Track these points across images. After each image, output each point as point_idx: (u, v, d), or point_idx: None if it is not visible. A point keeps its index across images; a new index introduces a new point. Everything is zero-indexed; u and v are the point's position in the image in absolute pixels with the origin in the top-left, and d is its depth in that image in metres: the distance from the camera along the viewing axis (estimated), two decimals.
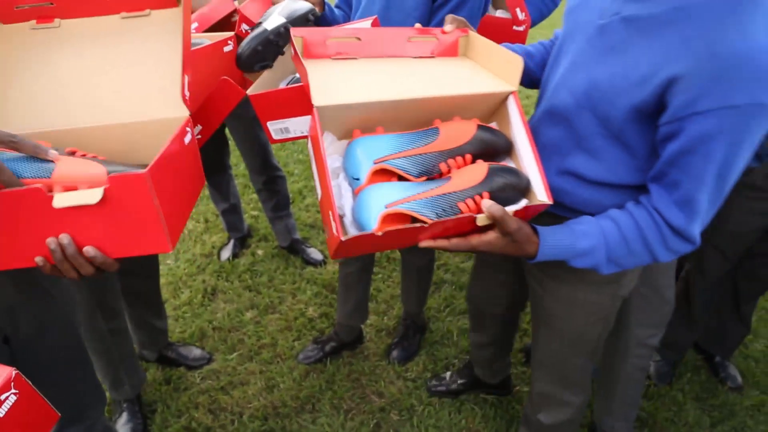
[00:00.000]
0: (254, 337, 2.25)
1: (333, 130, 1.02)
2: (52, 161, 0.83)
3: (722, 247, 1.77)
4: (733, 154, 0.84)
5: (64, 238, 0.78)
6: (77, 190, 0.79)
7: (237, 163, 3.49)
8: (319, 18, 1.36)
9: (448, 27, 1.18)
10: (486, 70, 1.13)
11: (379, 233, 0.84)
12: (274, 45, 1.26)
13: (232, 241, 2.77)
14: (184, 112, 0.98)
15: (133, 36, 1.05)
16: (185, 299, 2.45)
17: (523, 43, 1.90)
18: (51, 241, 0.77)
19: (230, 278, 2.59)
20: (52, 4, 1.05)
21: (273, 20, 1.28)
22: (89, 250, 0.79)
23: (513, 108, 1.03)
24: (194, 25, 1.47)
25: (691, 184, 0.88)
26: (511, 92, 1.03)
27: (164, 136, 0.96)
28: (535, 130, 1.10)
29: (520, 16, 1.96)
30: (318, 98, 0.92)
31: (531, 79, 1.24)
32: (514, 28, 1.99)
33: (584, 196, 1.05)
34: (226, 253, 2.73)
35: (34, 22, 1.07)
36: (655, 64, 0.86)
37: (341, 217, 0.95)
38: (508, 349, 1.85)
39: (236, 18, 1.52)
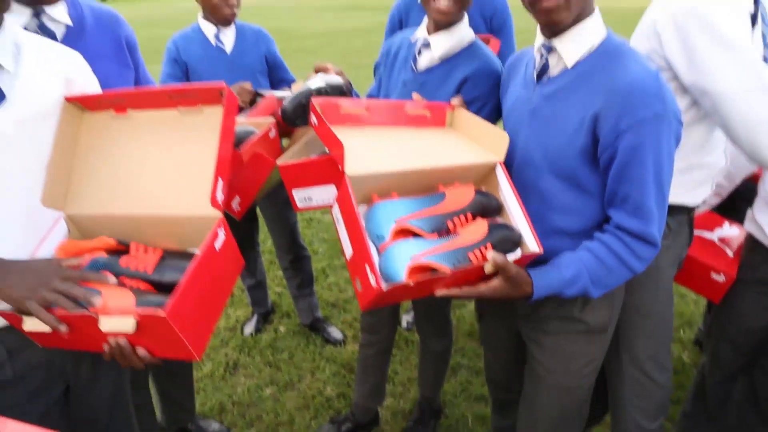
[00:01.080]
0: (272, 414, 2.29)
1: (354, 182, 1.18)
2: (99, 291, 1.01)
3: (737, 341, 1.78)
4: (660, 157, 1.10)
5: (121, 340, 0.97)
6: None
7: (264, 239, 3.64)
8: (350, 95, 1.53)
9: (455, 101, 1.42)
10: (474, 141, 1.34)
11: (411, 283, 1.02)
12: None
13: (255, 316, 2.86)
14: (218, 213, 1.11)
15: (187, 130, 1.20)
16: (207, 372, 2.52)
17: None
18: (106, 344, 0.99)
19: (252, 353, 2.66)
20: (125, 112, 1.22)
21: (315, 81, 1.46)
22: (141, 351, 1.00)
23: (501, 175, 1.24)
24: (241, 118, 1.64)
25: (636, 192, 1.12)
26: (499, 162, 1.25)
27: (207, 233, 1.10)
28: None
29: None
30: (349, 168, 1.09)
31: None
32: None
33: (569, 247, 1.22)
34: (249, 328, 2.82)
35: (113, 111, 1.23)
36: (580, 114, 1.15)
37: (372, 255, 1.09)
38: None
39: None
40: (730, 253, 1.80)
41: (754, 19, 1.38)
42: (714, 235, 1.86)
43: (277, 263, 3.35)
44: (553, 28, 1.17)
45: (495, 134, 1.25)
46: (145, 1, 32.08)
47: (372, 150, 1.21)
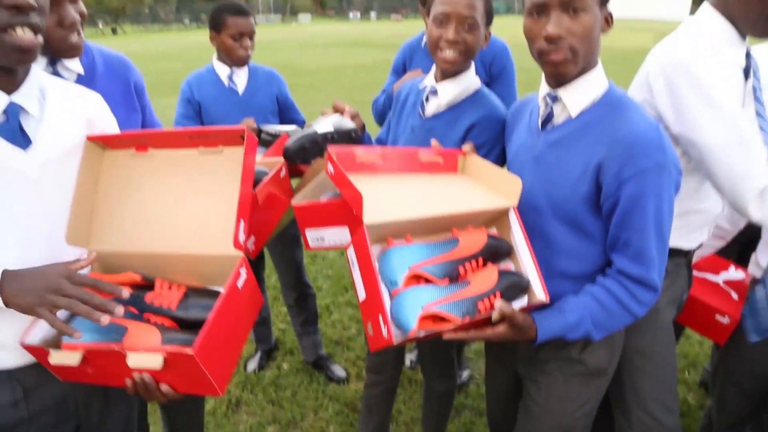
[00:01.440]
0: None
1: (371, 230, 1.21)
2: (125, 326, 1.05)
3: (744, 385, 1.78)
4: (660, 205, 1.15)
5: (146, 376, 0.99)
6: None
7: (268, 274, 3.65)
8: (359, 139, 1.55)
9: (467, 147, 1.45)
10: (486, 186, 1.37)
11: (421, 334, 1.07)
12: (318, 147, 1.44)
13: (259, 353, 2.86)
14: (239, 253, 1.14)
15: (207, 170, 1.24)
16: (209, 409, 2.50)
17: None
18: (130, 380, 1.01)
19: (255, 390, 2.65)
20: (146, 150, 1.25)
21: (323, 125, 1.47)
22: (164, 387, 1.02)
23: (514, 220, 1.28)
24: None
25: (638, 239, 1.17)
26: (512, 207, 1.28)
27: (228, 271, 1.12)
28: None
29: None
30: (367, 217, 1.12)
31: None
32: None
33: (572, 290, 1.26)
34: (252, 365, 2.81)
35: (133, 150, 1.27)
36: (583, 161, 1.20)
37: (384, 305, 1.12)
38: None
39: None
40: (734, 296, 1.81)
41: (747, 72, 1.43)
42: (719, 278, 1.88)
43: (281, 299, 3.36)
44: (559, 79, 1.22)
45: (507, 179, 1.29)
46: (155, 35, 32.82)
47: (387, 197, 1.24)
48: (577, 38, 1.14)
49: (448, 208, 1.24)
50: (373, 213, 1.13)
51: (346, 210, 1.27)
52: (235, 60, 2.25)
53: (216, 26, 2.22)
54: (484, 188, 1.37)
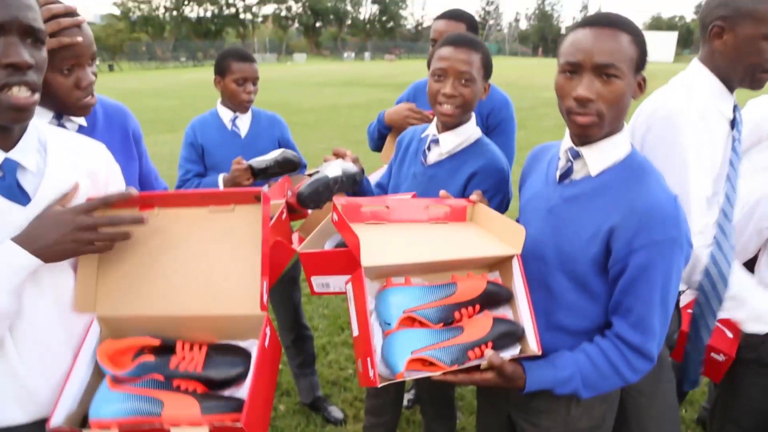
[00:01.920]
0: None
1: (370, 275, 1.25)
2: (160, 399, 1.05)
3: (741, 423, 1.79)
4: (668, 279, 1.15)
5: None
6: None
7: None
8: (362, 181, 1.63)
9: (474, 196, 1.47)
10: (491, 234, 1.39)
11: (405, 377, 1.11)
12: (329, 190, 1.50)
13: None
14: (258, 311, 1.16)
15: (219, 229, 1.21)
16: None
17: None
18: None
19: None
20: (153, 209, 1.21)
21: (332, 170, 1.54)
22: None
23: (517, 269, 1.29)
24: None
25: (641, 307, 1.17)
26: (515, 255, 1.29)
27: (245, 330, 1.16)
28: None
29: None
30: (364, 259, 1.14)
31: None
32: None
33: (569, 344, 1.27)
34: None
35: (137, 209, 1.21)
36: (596, 224, 1.20)
37: (373, 348, 1.15)
38: None
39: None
40: (729, 334, 1.84)
41: (733, 124, 1.50)
42: None
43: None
44: (583, 139, 1.23)
45: (512, 228, 1.31)
46: (152, 72, 33.27)
47: (389, 243, 1.28)
48: (606, 104, 1.14)
49: (448, 253, 1.27)
50: (371, 255, 1.16)
51: (350, 259, 1.30)
52: (237, 104, 2.31)
53: (221, 71, 2.28)
54: (490, 235, 1.38)
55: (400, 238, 1.32)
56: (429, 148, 1.65)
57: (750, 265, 1.92)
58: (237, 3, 71.32)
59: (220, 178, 2.15)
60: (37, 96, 1.00)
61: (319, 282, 1.45)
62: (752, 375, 1.71)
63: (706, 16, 1.50)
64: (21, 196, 1.04)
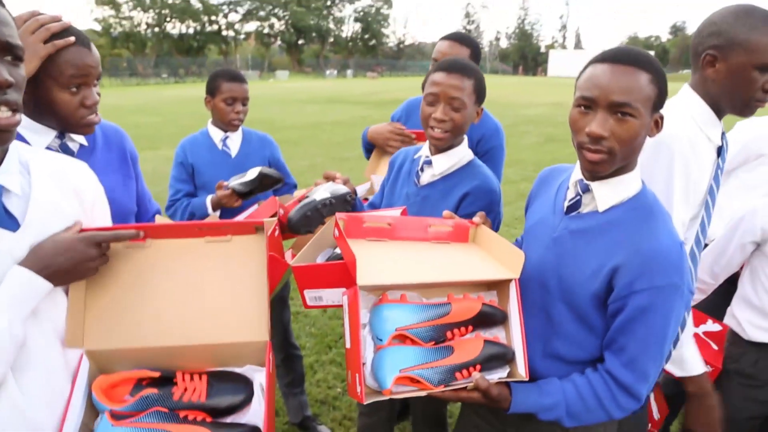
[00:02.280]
0: None
1: (366, 289, 1.26)
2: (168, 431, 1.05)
3: (725, 430, 1.83)
4: (666, 323, 1.14)
5: None
6: None
7: None
8: (354, 202, 1.65)
9: (477, 219, 1.47)
10: (492, 256, 1.40)
11: (395, 392, 1.14)
12: (320, 214, 1.52)
13: None
14: (264, 338, 1.17)
15: (216, 259, 1.21)
16: None
17: None
18: None
19: None
20: (144, 241, 1.20)
21: (320, 194, 1.56)
22: None
23: (513, 293, 1.30)
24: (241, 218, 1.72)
25: (635, 348, 1.16)
26: (514, 279, 1.29)
27: (244, 357, 1.17)
28: None
29: None
30: (360, 278, 1.15)
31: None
32: None
33: (564, 372, 1.27)
34: None
35: (127, 241, 1.19)
36: (600, 260, 1.20)
37: (363, 365, 1.18)
38: None
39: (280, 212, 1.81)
40: (714, 346, 1.88)
41: (719, 151, 1.55)
42: (698, 330, 1.95)
43: None
44: (594, 174, 1.22)
45: (512, 252, 1.31)
46: (133, 89, 33.08)
47: (387, 261, 1.29)
48: (619, 142, 1.13)
49: (446, 275, 1.28)
50: (368, 274, 1.17)
51: (343, 272, 1.32)
52: (226, 123, 2.32)
53: (211, 90, 2.30)
54: (490, 258, 1.39)
55: (400, 256, 1.34)
56: (422, 169, 1.68)
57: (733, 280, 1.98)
58: (219, 20, 71.37)
59: (208, 200, 2.16)
60: (18, 117, 0.96)
61: (312, 295, 1.46)
62: (735, 386, 1.76)
63: (699, 44, 1.50)
64: (9, 222, 1.00)
